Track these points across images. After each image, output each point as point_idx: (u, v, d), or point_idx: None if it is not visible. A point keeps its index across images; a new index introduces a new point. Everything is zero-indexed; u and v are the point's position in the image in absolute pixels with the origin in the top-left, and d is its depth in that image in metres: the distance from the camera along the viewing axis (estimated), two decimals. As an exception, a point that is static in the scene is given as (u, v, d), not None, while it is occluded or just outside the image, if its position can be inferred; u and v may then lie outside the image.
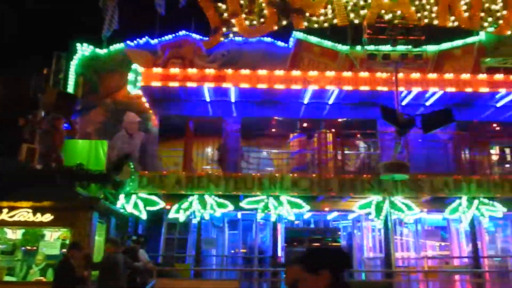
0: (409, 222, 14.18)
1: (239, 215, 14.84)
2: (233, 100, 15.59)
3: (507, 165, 16.43)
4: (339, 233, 14.83)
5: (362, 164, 16.07)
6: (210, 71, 14.59)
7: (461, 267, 14.05)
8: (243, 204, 13.28)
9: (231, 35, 17.32)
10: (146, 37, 16.95)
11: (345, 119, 15.97)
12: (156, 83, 14.34)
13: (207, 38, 17.24)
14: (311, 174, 13.79)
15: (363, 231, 14.92)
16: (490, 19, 18.05)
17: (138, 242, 10.43)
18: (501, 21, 17.92)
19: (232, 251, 15.37)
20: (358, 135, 16.36)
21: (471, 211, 13.25)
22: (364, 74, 14.86)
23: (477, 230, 13.79)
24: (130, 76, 14.26)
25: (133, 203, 12.87)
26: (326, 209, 14.52)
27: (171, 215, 13.15)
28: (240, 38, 17.18)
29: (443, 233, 15.46)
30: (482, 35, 17.13)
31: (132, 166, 13.04)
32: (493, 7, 18.15)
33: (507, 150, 17.41)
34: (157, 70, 14.60)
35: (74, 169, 11.33)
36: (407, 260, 14.86)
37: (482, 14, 18.07)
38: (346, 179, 13.51)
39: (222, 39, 17.34)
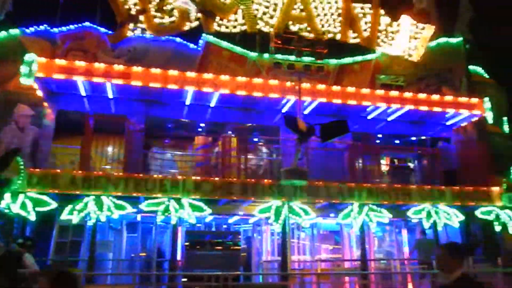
0: (306, 227, 14.81)
1: (138, 217, 14.40)
2: (137, 98, 15.13)
3: (395, 175, 17.82)
4: (240, 236, 15.01)
5: (264, 169, 16.46)
6: (118, 67, 14.00)
7: (350, 269, 14.95)
8: (143, 206, 12.92)
9: (138, 31, 16.81)
10: (45, 25, 15.85)
11: (250, 124, 16.25)
12: (56, 76, 13.44)
13: (112, 32, 16.57)
14: (213, 177, 13.82)
15: (263, 235, 15.27)
16: (385, 39, 19.52)
17: (24, 246, 9.63)
18: (394, 42, 19.47)
19: (132, 255, 14.85)
20: (262, 141, 16.74)
21: (361, 217, 14.17)
22: (272, 82, 15.23)
23: (366, 234, 14.78)
24: (24, 66, 13.21)
25: (21, 203, 11.88)
26: (228, 212, 14.68)
27: (64, 216, 12.32)
28: (148, 35, 16.74)
29: (336, 237, 16.39)
30: (378, 54, 18.52)
31: (21, 163, 12.06)
32: (389, 29, 19.67)
33: (396, 161, 18.96)
34: (60, 62, 13.67)
35: (-48, 164, 10.22)
36: (303, 263, 15.49)
37: (379, 34, 19.49)
38: (248, 183, 13.74)
39: (129, 34, 16.78)
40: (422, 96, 16.44)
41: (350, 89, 15.82)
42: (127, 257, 14.63)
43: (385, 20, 19.73)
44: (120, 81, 13.98)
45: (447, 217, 14.79)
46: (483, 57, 20.51)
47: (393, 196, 14.63)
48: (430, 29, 19.67)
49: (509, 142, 18.54)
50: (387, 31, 19.65)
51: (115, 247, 14.26)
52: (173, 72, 14.37)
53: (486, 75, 19.97)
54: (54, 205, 12.27)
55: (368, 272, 14.23)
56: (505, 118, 19.05)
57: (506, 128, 18.95)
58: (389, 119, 16.95)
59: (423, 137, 17.65)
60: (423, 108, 16.28)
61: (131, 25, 16.87)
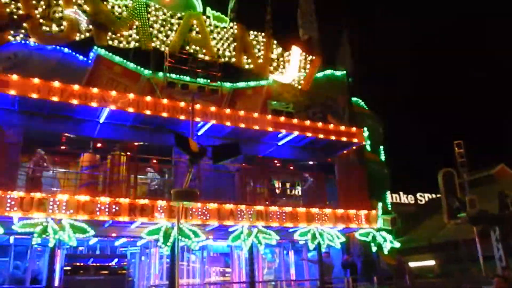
0: (196, 249, 14.60)
1: (11, 239, 13.01)
2: (15, 109, 13.85)
3: (284, 198, 18.47)
4: (126, 260, 14.27)
5: (154, 190, 15.99)
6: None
7: (239, 291, 15.02)
8: (16, 227, 11.73)
9: (20, 37, 15.50)
10: None
11: (141, 143, 15.73)
12: None
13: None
14: (99, 197, 13.04)
15: (151, 257, 14.73)
16: (277, 67, 20.42)
17: None
18: (285, 71, 20.44)
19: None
20: (154, 161, 16.29)
21: (250, 239, 14.38)
22: (165, 101, 14.98)
23: (255, 256, 15.00)
24: None
25: None
26: (114, 234, 13.94)
27: None
28: (32, 43, 15.52)
29: (227, 259, 16.39)
30: (270, 80, 19.29)
31: None
32: (281, 58, 20.64)
33: (287, 184, 19.68)
34: None
35: None
36: (192, 286, 15.18)
37: (272, 62, 20.35)
38: (136, 204, 13.22)
39: (10, 39, 15.40)
40: (307, 123, 17.32)
41: (242, 113, 16.15)
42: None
43: (277, 50, 20.68)
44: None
45: (330, 238, 15.64)
46: (363, 89, 22.46)
47: (281, 218, 15.09)
48: (317, 60, 21.04)
49: (384, 169, 20.33)
50: (279, 60, 20.60)
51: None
52: (57, 84, 13.45)
53: (366, 107, 21.81)
54: None
55: (256, 294, 14.40)
56: (381, 147, 20.94)
57: (382, 156, 20.80)
58: (279, 143, 17.59)
59: (310, 162, 18.56)
60: (309, 134, 17.14)
61: (12, 30, 15.50)
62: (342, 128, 17.95)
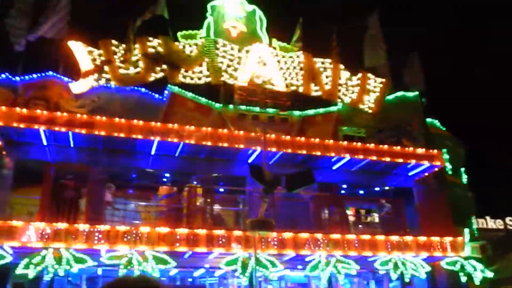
0: (273, 279, 14.48)
1: (99, 271, 13.69)
2: (100, 148, 14.79)
3: (360, 226, 17.93)
4: (205, 290, 14.48)
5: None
6: (81, 117, 13.73)
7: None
8: (104, 259, 12.33)
9: (102, 81, 16.69)
10: (7, 73, 15.50)
11: (216, 174, 16.11)
12: (16, 124, 13.00)
13: (76, 82, 16.36)
14: (179, 229, 13.41)
15: (229, 288, 14.79)
16: (346, 92, 20.25)
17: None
18: (354, 96, 20.19)
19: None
20: (228, 192, 16.58)
21: (328, 269, 14.04)
22: (239, 133, 15.26)
23: (334, 287, 14.58)
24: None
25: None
26: (193, 265, 14.21)
27: (19, 271, 11.59)
28: (113, 85, 16.65)
29: (304, 289, 16.06)
30: (339, 106, 19.11)
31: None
32: (349, 82, 20.46)
33: (362, 211, 19.11)
34: (21, 110, 13.28)
35: None
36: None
37: (340, 88, 20.22)
38: (214, 234, 13.44)
39: (93, 84, 16.62)
40: (384, 147, 16.83)
41: (315, 140, 16.05)
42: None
43: (345, 74, 20.55)
44: (83, 131, 13.63)
45: (413, 268, 14.84)
46: (439, 110, 21.54)
47: (359, 246, 14.63)
48: (386, 83, 20.58)
49: (467, 193, 19.14)
50: (347, 85, 20.44)
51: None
52: (138, 122, 14.23)
53: (443, 128, 20.88)
54: (9, 258, 11.54)
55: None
56: (462, 169, 19.78)
57: (464, 179, 19.62)
58: (353, 169, 17.22)
59: (386, 188, 17.95)
60: (386, 159, 16.60)
61: (95, 75, 16.76)
62: (421, 150, 17.16)
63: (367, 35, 22.07)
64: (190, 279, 15.62)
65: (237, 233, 13.65)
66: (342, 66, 20.64)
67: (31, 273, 11.59)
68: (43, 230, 12.00)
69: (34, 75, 15.76)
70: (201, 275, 15.40)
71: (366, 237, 14.93)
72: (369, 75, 20.71)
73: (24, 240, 11.75)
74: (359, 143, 16.74)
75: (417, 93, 20.53)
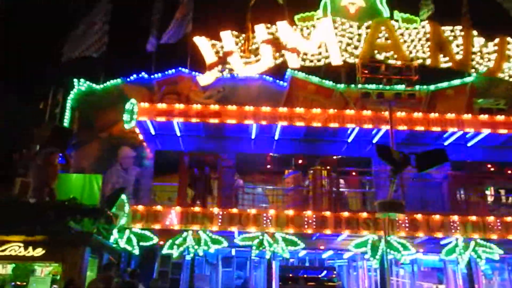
0: (406, 263, 14.00)
1: (233, 252, 14.59)
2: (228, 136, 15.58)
3: (501, 207, 16.37)
4: (335, 272, 14.54)
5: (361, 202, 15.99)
6: (213, 107, 14.53)
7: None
8: (237, 240, 13.10)
9: (226, 72, 17.47)
10: (143, 73, 17.07)
11: (340, 156, 15.97)
12: (154, 118, 14.28)
13: (202, 74, 17.37)
14: (306, 211, 13.64)
15: (359, 271, 14.69)
16: (481, 61, 18.46)
17: (134, 275, 10.23)
18: (491, 64, 18.31)
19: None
20: (353, 173, 16.35)
21: (467, 253, 13.15)
22: (366, 112, 14.77)
23: (474, 272, 13.63)
24: (126, 112, 14.20)
25: (126, 238, 12.66)
26: (321, 247, 14.36)
27: (165, 250, 12.94)
28: (236, 75, 17.34)
29: (439, 274, 15.24)
30: (473, 77, 17.48)
31: (126, 201, 12.89)
32: (484, 50, 18.60)
33: (502, 192, 17.42)
34: (161, 105, 14.48)
35: (67, 203, 11.13)
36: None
37: (473, 56, 18.50)
38: (341, 216, 13.41)
39: (218, 75, 17.49)
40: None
41: (450, 116, 14.87)
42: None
43: (479, 40, 18.73)
44: (216, 120, 14.43)
45: None
46: None
47: (502, 230, 13.41)
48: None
49: None
50: (482, 53, 18.61)
51: (212, 281, 14.53)
52: (265, 109, 14.61)
53: None
54: (155, 239, 12.91)
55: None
56: None
57: None
58: (492, 145, 15.70)
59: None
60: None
61: (219, 67, 17.61)
62: None
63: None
64: (319, 261, 15.84)
65: (364, 215, 13.43)
66: (475, 32, 18.85)
67: (175, 253, 12.84)
68: (183, 214, 13.12)
69: (167, 72, 17.11)
70: (329, 257, 15.51)
71: (510, 219, 13.61)
72: (509, 39, 18.60)
73: (167, 223, 12.99)
74: (502, 116, 15.04)
75: None
